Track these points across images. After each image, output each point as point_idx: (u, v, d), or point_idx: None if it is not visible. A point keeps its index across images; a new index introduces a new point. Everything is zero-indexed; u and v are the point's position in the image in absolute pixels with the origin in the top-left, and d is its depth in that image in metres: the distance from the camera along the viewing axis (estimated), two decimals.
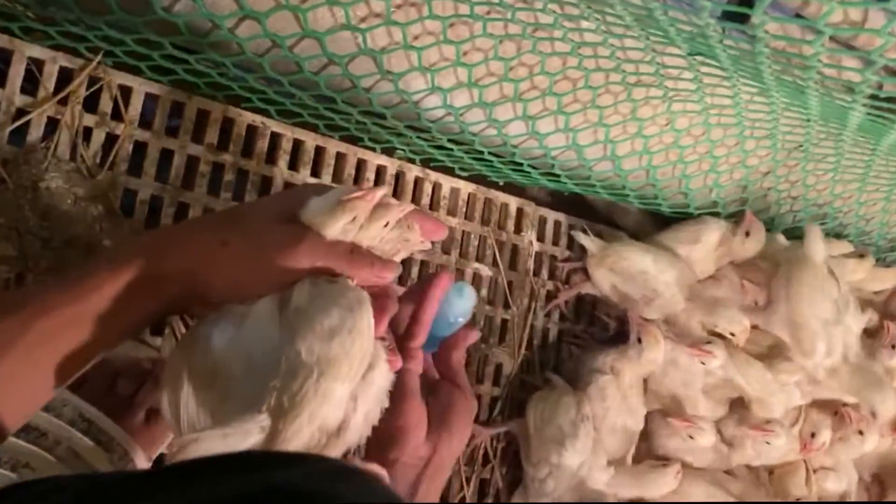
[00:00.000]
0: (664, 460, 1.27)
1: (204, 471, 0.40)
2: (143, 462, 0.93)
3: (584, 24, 0.98)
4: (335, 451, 0.57)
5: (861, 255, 1.49)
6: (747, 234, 1.36)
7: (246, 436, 0.53)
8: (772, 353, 1.34)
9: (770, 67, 0.85)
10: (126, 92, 1.08)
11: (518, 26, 1.00)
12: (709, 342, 1.26)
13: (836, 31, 0.65)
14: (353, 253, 0.59)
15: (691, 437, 1.25)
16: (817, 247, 1.30)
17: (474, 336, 0.76)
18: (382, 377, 0.60)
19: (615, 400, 1.23)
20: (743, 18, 0.96)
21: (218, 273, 0.57)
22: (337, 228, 0.59)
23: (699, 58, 0.97)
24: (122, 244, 1.01)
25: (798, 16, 0.70)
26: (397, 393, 0.63)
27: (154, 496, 0.37)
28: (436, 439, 0.67)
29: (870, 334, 1.45)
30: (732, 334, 1.30)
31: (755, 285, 1.35)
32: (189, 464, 0.45)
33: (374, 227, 0.61)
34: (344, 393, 0.55)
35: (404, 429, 0.65)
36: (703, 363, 1.26)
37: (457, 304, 0.74)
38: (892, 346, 1.41)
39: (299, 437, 0.54)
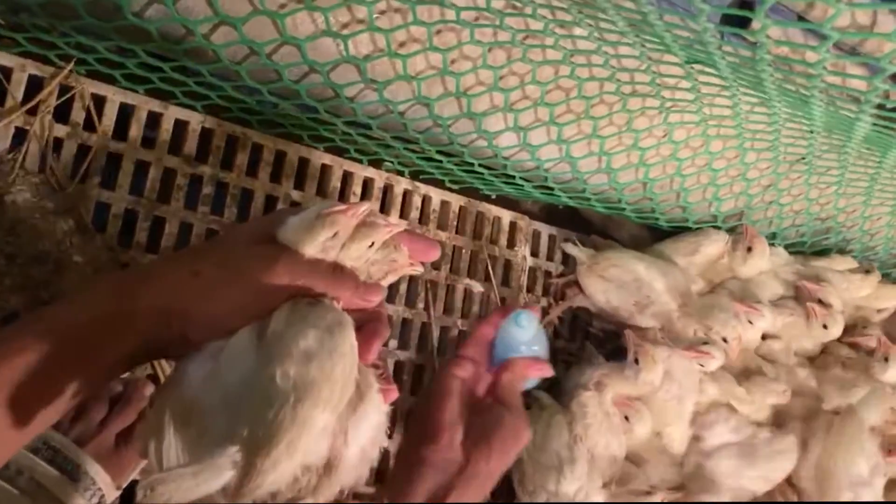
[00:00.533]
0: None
1: None
2: (111, 492, 0.88)
3: (577, 30, 0.94)
4: (327, 493, 0.52)
5: (867, 271, 1.45)
6: (749, 249, 1.32)
7: (218, 472, 0.47)
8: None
9: (772, 76, 0.81)
10: (99, 101, 1.04)
11: (507, 33, 0.95)
12: (705, 343, 1.22)
13: (843, 34, 0.61)
14: (335, 272, 0.55)
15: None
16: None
17: (540, 370, 0.75)
18: (375, 409, 0.55)
19: (596, 417, 1.17)
20: (743, 23, 0.92)
21: (192, 306, 0.52)
22: (316, 245, 0.54)
23: (697, 66, 0.92)
24: (88, 284, 0.97)
25: (801, 19, 0.65)
26: (436, 389, 0.66)
27: None
28: (471, 448, 0.65)
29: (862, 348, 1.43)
30: (725, 340, 1.24)
31: (824, 307, 1.31)
32: None
33: (358, 246, 0.56)
34: (327, 422, 0.50)
35: (436, 426, 0.65)
36: (701, 365, 1.22)
37: (516, 332, 0.73)
38: (885, 359, 1.36)
39: (278, 472, 0.48)
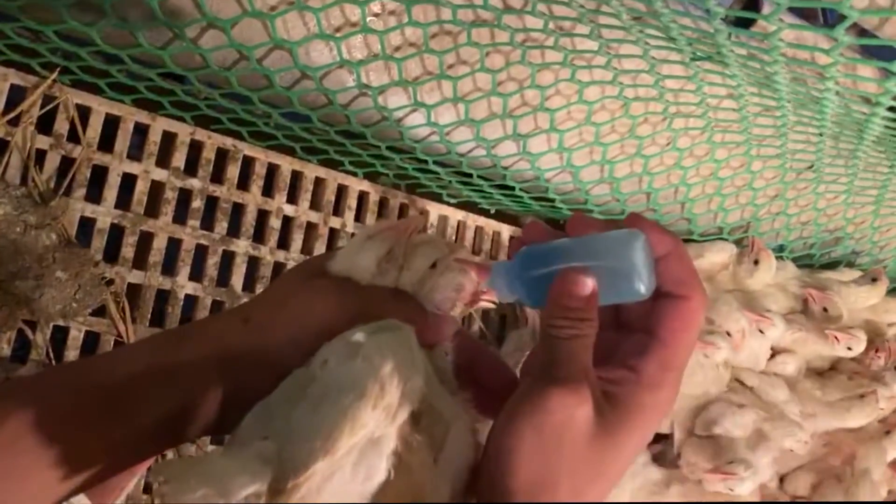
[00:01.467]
0: None
1: None
2: None
3: (578, 28, 0.91)
4: None
5: (874, 279, 1.40)
6: (756, 262, 1.28)
7: (242, 467, 0.41)
8: None
9: (784, 72, 0.78)
10: (84, 112, 1.01)
11: (506, 33, 0.92)
12: (711, 332, 1.17)
13: (863, 13, 0.58)
14: (396, 297, 0.49)
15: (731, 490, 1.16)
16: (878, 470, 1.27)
17: None
18: (467, 443, 0.46)
19: None
20: (748, 24, 0.89)
21: (244, 354, 0.46)
22: (370, 267, 0.48)
23: (705, 65, 0.89)
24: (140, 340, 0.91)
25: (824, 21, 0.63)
26: None
27: None
28: None
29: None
30: (729, 333, 1.20)
31: (846, 333, 1.27)
32: None
33: (418, 265, 0.50)
34: (380, 427, 0.42)
35: None
36: (706, 356, 1.18)
37: None
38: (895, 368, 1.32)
39: (318, 469, 0.41)
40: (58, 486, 0.43)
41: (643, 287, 0.40)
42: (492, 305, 0.51)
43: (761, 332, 1.24)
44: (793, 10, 0.86)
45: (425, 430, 0.44)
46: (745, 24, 0.83)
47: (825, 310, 1.35)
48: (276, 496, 0.38)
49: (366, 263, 0.48)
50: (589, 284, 0.41)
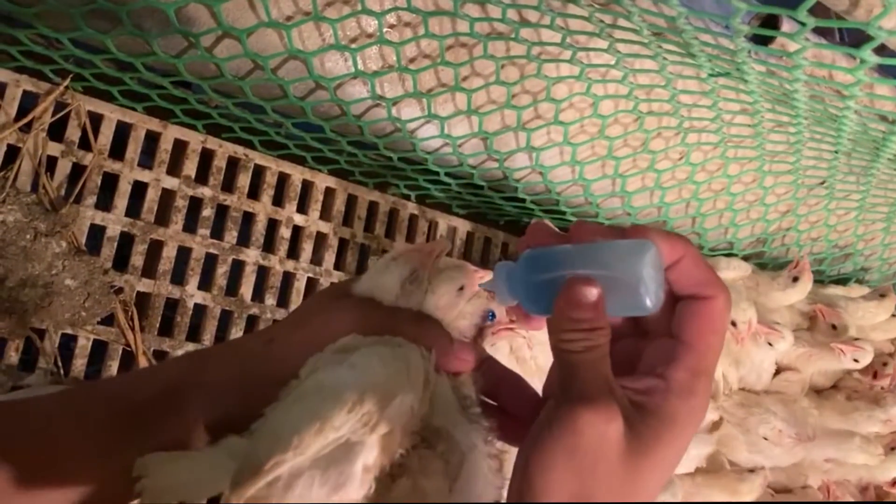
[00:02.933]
0: None
1: None
2: None
3: (595, 42, 0.90)
4: None
5: (882, 295, 1.39)
6: (795, 280, 1.27)
7: (214, 458, 0.40)
8: None
9: (804, 94, 0.77)
10: (96, 119, 1.00)
11: (522, 46, 0.92)
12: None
13: (891, 34, 0.57)
14: (420, 319, 0.48)
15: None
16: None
17: None
18: (482, 477, 0.45)
19: None
20: (766, 41, 0.88)
21: (267, 374, 0.45)
22: (394, 287, 0.48)
23: (721, 80, 0.89)
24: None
25: (840, 18, 0.62)
26: None
27: None
28: None
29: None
30: (734, 324, 1.18)
31: (852, 345, 1.27)
32: None
33: (443, 289, 0.49)
34: (355, 430, 0.41)
35: None
36: (770, 343, 1.19)
37: None
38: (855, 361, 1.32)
39: (281, 467, 0.40)
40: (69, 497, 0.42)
41: (650, 301, 0.38)
42: (522, 336, 0.50)
43: (770, 344, 1.23)
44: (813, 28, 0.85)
45: (441, 457, 0.44)
46: (763, 40, 0.83)
47: (833, 326, 1.34)
48: (235, 489, 0.37)
49: (389, 284, 0.48)
50: (595, 292, 0.38)
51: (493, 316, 0.48)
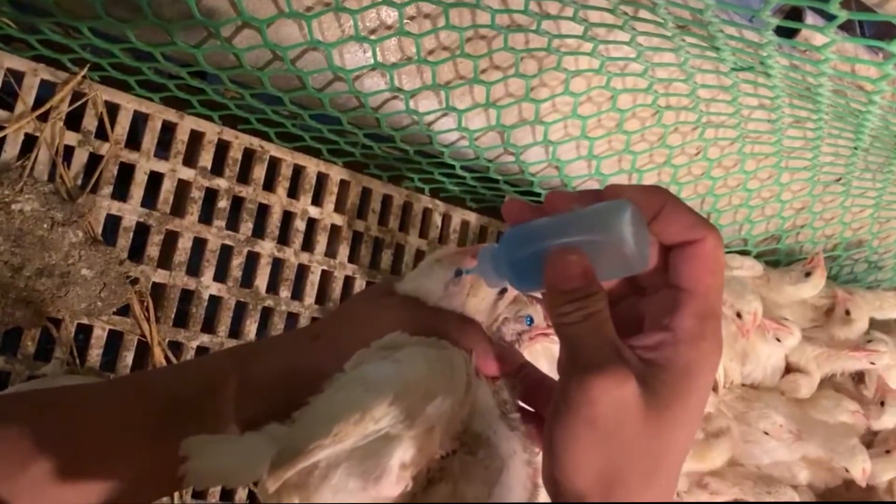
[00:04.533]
0: None
1: None
2: None
3: (616, 36, 0.90)
4: None
5: None
6: (807, 275, 1.26)
7: (254, 447, 0.40)
8: None
9: (828, 88, 0.77)
10: (113, 109, 1.00)
11: (542, 39, 0.91)
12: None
13: None
14: (462, 321, 0.48)
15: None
16: None
17: None
18: (519, 482, 0.45)
19: None
20: (790, 33, 0.88)
21: (313, 369, 0.45)
22: (438, 288, 0.48)
23: (741, 75, 0.88)
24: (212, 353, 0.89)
25: (870, 10, 0.62)
26: None
27: None
28: None
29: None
30: (739, 315, 1.17)
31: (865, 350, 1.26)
32: None
33: (484, 292, 0.49)
34: (394, 424, 0.40)
35: None
36: (778, 339, 1.18)
37: None
38: (881, 403, 1.30)
39: (316, 454, 0.39)
40: (120, 494, 0.42)
41: (638, 258, 0.37)
42: (556, 343, 0.50)
43: (778, 340, 1.22)
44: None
45: (481, 463, 0.44)
46: (788, 33, 0.82)
47: (847, 312, 1.32)
48: (273, 472, 0.38)
49: (433, 286, 0.48)
50: (578, 259, 0.37)
51: (532, 321, 0.48)
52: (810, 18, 0.82)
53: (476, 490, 0.43)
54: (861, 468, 1.20)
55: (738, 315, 1.15)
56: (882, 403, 1.30)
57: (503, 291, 0.49)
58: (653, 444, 0.37)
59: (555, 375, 0.45)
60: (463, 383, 0.44)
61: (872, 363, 1.28)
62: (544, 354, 0.66)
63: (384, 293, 0.49)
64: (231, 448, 0.40)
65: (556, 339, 0.49)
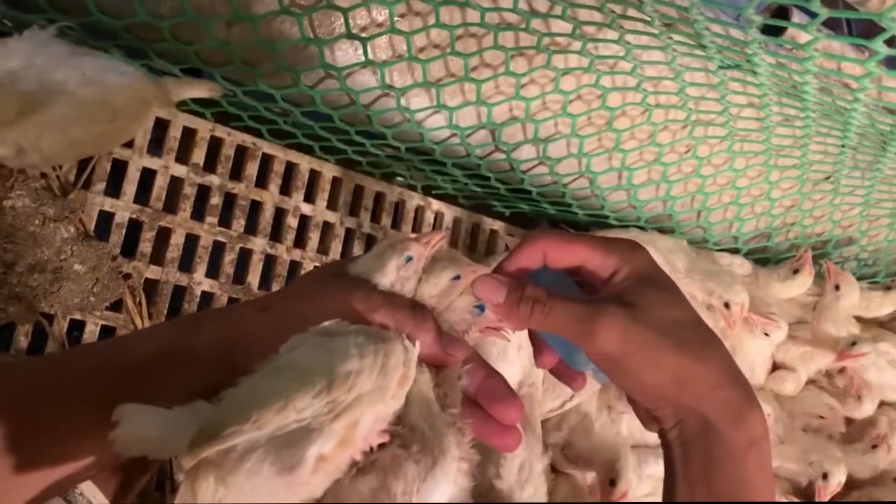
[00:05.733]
0: None
1: None
2: None
3: (605, 33, 0.91)
4: None
5: (888, 287, 1.38)
6: (837, 287, 1.27)
7: (179, 420, 0.41)
8: None
9: (814, 86, 0.78)
10: None
11: (531, 37, 0.92)
12: (709, 306, 1.16)
13: None
14: (413, 307, 0.48)
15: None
16: None
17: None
18: (449, 480, 0.46)
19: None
20: (777, 32, 0.89)
21: (260, 341, 0.46)
22: (390, 272, 0.49)
23: (729, 73, 0.89)
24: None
25: (850, 8, 0.62)
26: None
27: None
28: None
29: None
30: (727, 305, 1.16)
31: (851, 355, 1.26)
32: None
33: (435, 278, 0.50)
34: (318, 416, 0.41)
35: None
36: (766, 334, 1.18)
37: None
38: (858, 397, 1.31)
39: (235, 434, 0.39)
40: (66, 465, 0.43)
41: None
42: (508, 335, 0.51)
43: (766, 334, 1.23)
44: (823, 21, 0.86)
45: (413, 457, 0.45)
46: (774, 31, 0.83)
47: (837, 287, 1.32)
48: (191, 449, 0.38)
49: (386, 270, 0.49)
50: (493, 286, 0.47)
51: (482, 310, 0.49)
52: (797, 17, 0.82)
53: (404, 486, 0.44)
54: (840, 480, 1.21)
55: (726, 305, 1.15)
56: (859, 397, 1.31)
57: (457, 277, 0.49)
58: (667, 328, 0.44)
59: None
60: (397, 378, 0.44)
61: (767, 334, 1.25)
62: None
63: (338, 273, 0.50)
64: (158, 420, 0.41)
65: (504, 333, 0.50)
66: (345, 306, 0.47)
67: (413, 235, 0.50)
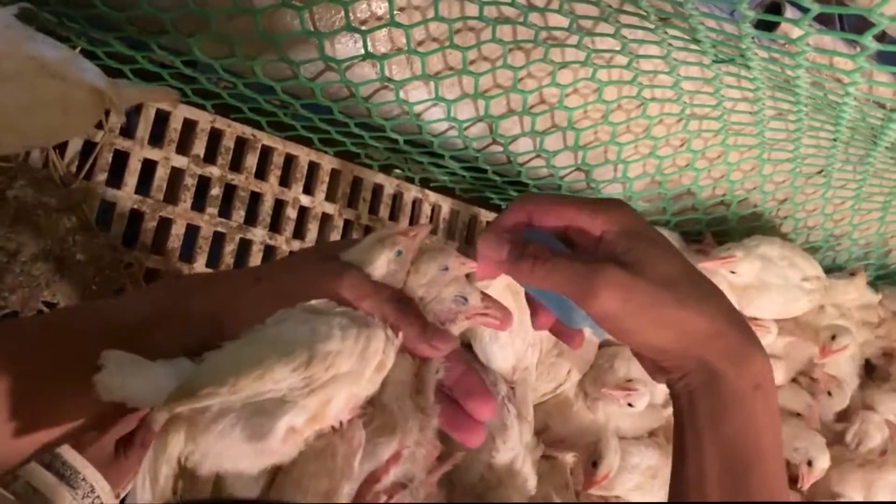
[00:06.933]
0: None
1: None
2: (109, 499, 0.84)
3: (601, 28, 0.92)
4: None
5: (852, 274, 1.38)
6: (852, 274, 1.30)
7: (158, 373, 0.42)
8: None
9: (806, 80, 0.79)
10: None
11: (529, 31, 0.93)
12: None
13: (892, 20, 0.59)
14: (400, 300, 0.49)
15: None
16: None
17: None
18: (412, 464, 0.48)
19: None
20: (770, 27, 0.90)
21: (248, 312, 0.47)
22: (381, 264, 0.49)
23: (723, 67, 0.90)
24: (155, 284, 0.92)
25: (842, 4, 0.64)
26: None
27: None
28: None
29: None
30: None
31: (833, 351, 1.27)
32: None
33: (424, 269, 0.51)
34: (293, 388, 0.43)
35: None
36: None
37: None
38: (829, 394, 1.33)
39: (213, 395, 0.41)
40: (54, 424, 0.44)
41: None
42: (495, 324, 0.53)
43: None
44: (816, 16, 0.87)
45: (372, 429, 0.47)
46: (767, 26, 0.85)
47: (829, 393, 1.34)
48: (167, 403, 0.40)
49: (376, 260, 0.50)
50: (493, 247, 0.48)
51: (465, 300, 0.51)
52: (789, 12, 0.84)
53: (349, 447, 0.46)
54: (823, 467, 1.23)
55: None
56: (829, 393, 1.32)
57: (445, 269, 0.51)
58: (666, 282, 0.45)
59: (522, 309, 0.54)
60: (374, 364, 0.45)
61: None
62: (511, 290, 0.68)
63: (332, 257, 0.51)
64: (140, 370, 0.42)
65: (491, 318, 0.52)
66: (335, 290, 0.48)
67: (400, 229, 0.51)
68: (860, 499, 1.31)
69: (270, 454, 0.43)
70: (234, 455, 0.42)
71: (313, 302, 0.47)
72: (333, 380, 0.44)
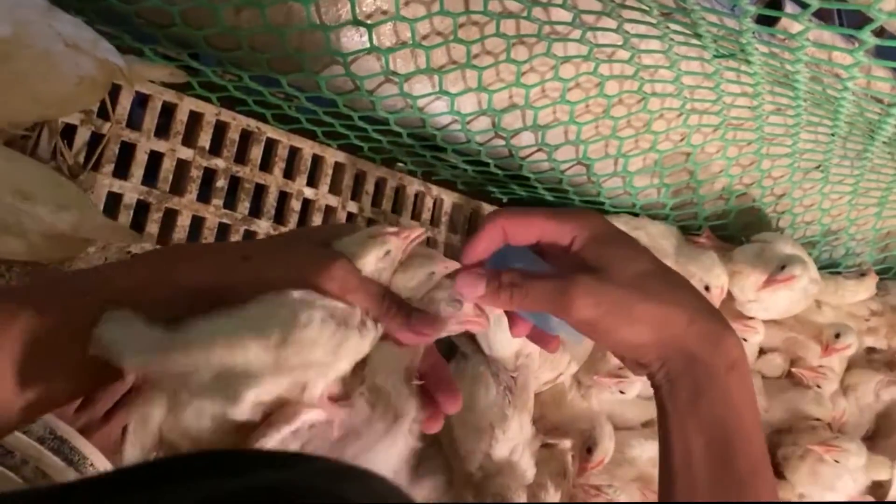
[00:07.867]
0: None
1: (183, 471, 0.33)
2: None
3: (604, 22, 0.93)
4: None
5: (862, 274, 1.40)
6: (863, 274, 1.33)
7: (141, 338, 0.45)
8: None
9: (805, 75, 0.80)
10: (114, 89, 1.02)
11: (532, 25, 0.95)
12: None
13: (890, 16, 0.60)
14: (385, 295, 0.51)
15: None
16: None
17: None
18: (403, 438, 0.50)
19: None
20: (771, 22, 0.91)
21: (232, 290, 0.48)
22: (369, 260, 0.51)
23: (724, 62, 0.92)
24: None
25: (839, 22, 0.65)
26: None
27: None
28: None
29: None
30: (707, 288, 1.18)
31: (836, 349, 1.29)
32: (163, 463, 0.37)
33: (412, 272, 0.53)
34: (264, 365, 0.45)
35: None
36: (745, 339, 1.19)
37: None
38: (818, 386, 1.34)
39: (186, 362, 0.45)
40: (40, 394, 0.45)
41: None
42: (483, 328, 0.54)
43: (745, 339, 1.26)
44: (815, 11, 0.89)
45: (380, 417, 0.50)
46: (768, 21, 0.86)
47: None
48: (142, 361, 0.43)
49: (366, 256, 0.51)
50: (473, 282, 0.50)
51: (460, 305, 0.53)
52: (789, 8, 0.85)
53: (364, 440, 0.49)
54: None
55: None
56: (818, 386, 1.34)
57: (432, 274, 0.52)
58: (634, 281, 0.48)
59: None
60: (347, 360, 0.48)
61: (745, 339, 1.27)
62: None
63: (322, 243, 0.52)
64: (124, 328, 0.44)
65: (483, 327, 0.54)
66: (323, 280, 0.49)
67: (392, 229, 0.53)
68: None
69: (241, 423, 0.46)
70: (209, 415, 0.45)
71: (299, 291, 0.48)
72: (305, 367, 0.46)
